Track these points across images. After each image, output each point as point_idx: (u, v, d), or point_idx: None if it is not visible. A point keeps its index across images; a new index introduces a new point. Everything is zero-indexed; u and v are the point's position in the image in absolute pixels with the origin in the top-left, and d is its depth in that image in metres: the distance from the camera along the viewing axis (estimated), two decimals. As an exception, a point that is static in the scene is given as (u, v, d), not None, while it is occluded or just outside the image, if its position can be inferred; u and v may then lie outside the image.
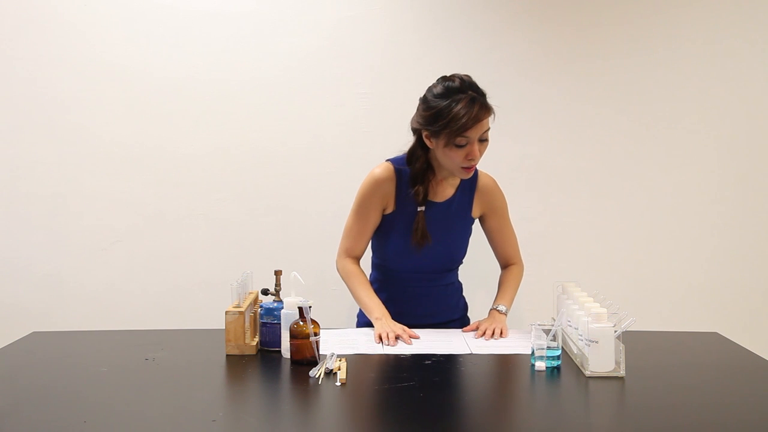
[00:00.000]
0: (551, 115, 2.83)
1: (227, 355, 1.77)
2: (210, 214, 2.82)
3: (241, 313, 1.78)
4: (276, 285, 1.90)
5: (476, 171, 2.13)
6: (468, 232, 2.15)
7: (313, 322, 1.69)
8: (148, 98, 2.78)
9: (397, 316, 2.02)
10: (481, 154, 1.96)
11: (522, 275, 2.22)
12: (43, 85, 2.77)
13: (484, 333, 1.95)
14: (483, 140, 1.95)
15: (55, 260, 2.81)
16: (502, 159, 2.83)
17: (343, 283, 2.15)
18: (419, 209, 2.04)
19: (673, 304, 2.85)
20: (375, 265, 2.20)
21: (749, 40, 2.80)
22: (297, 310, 1.71)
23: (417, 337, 1.92)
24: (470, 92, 1.90)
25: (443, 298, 2.16)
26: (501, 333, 1.96)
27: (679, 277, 2.85)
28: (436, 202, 2.08)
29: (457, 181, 2.10)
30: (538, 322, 1.69)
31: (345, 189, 2.82)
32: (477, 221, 2.19)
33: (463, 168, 1.96)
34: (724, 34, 2.80)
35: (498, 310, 2.07)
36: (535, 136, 2.83)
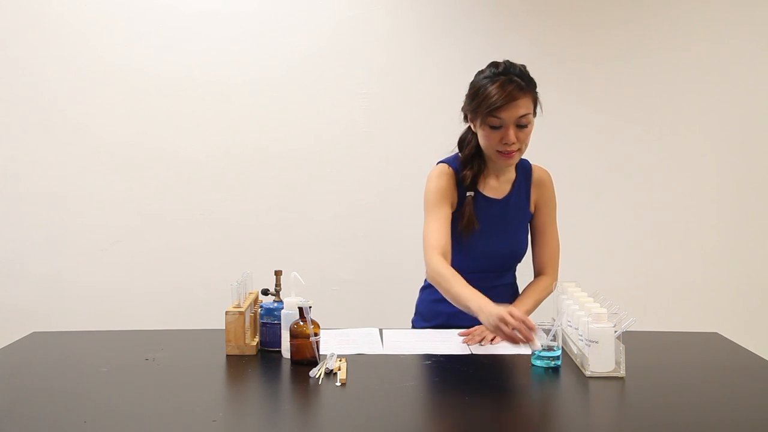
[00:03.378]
0: (551, 115, 2.82)
1: (227, 356, 1.77)
2: (210, 215, 2.82)
3: (241, 313, 1.78)
4: (276, 285, 1.90)
5: (529, 163, 2.11)
6: (526, 229, 2.10)
7: (313, 322, 1.69)
8: (148, 98, 2.78)
9: (456, 318, 1.97)
10: (521, 141, 1.92)
11: (550, 290, 2.03)
12: (43, 85, 2.77)
13: (483, 339, 1.86)
14: (521, 126, 1.91)
15: (55, 260, 2.81)
16: (502, 159, 2.83)
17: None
18: (468, 194, 2.00)
19: (673, 304, 2.85)
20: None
21: (749, 41, 2.80)
22: (297, 310, 1.71)
23: (534, 329, 1.66)
24: (511, 75, 1.90)
25: (503, 298, 2.00)
26: (493, 340, 1.86)
27: (679, 277, 2.85)
28: (494, 199, 2.05)
29: (512, 177, 2.07)
30: (538, 322, 1.69)
31: (345, 189, 2.83)
32: None
33: (499, 152, 1.93)
34: (723, 35, 2.80)
35: None
36: (535, 136, 2.82)
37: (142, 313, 2.81)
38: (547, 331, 1.68)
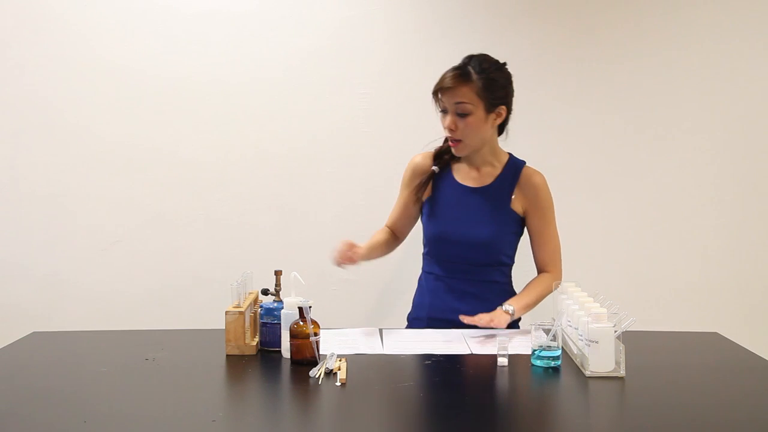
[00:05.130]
0: (550, 115, 2.83)
1: (227, 355, 1.77)
2: (210, 214, 2.82)
3: (241, 313, 1.78)
4: (276, 285, 1.90)
5: (522, 164, 2.12)
6: (510, 227, 2.09)
7: (313, 322, 1.69)
8: (148, 98, 2.78)
9: (440, 311, 2.07)
10: (461, 131, 1.99)
11: (552, 286, 2.04)
12: (42, 85, 2.77)
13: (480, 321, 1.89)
14: (461, 115, 1.98)
15: (55, 260, 2.81)
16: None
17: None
18: (433, 168, 2.12)
19: (674, 304, 2.85)
20: (424, 256, 2.20)
21: (749, 40, 2.80)
22: (297, 310, 1.71)
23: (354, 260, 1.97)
24: (465, 64, 2.01)
25: (488, 297, 2.06)
26: (491, 321, 1.89)
27: (679, 277, 2.85)
28: (469, 187, 2.09)
29: (497, 171, 2.10)
30: (538, 322, 1.69)
31: (345, 189, 2.83)
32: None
33: (448, 139, 2.04)
34: (723, 35, 2.80)
35: (503, 309, 1.97)
36: (535, 136, 2.83)
37: (142, 313, 2.81)
38: (547, 331, 1.68)
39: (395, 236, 2.25)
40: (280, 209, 2.83)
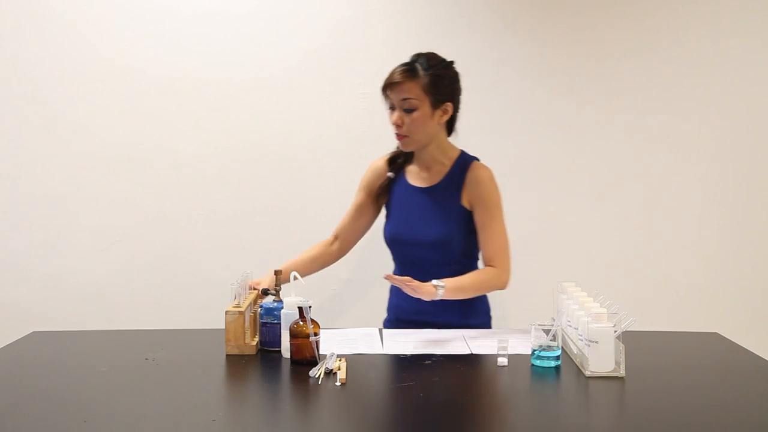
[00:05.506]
0: (551, 115, 2.83)
1: (227, 355, 1.77)
2: (210, 214, 2.82)
3: (241, 313, 1.78)
4: (276, 285, 1.90)
5: (471, 160, 2.11)
6: (462, 224, 2.08)
7: (313, 322, 1.69)
8: (148, 98, 2.78)
9: (405, 312, 2.09)
10: (407, 126, 2.01)
11: (495, 280, 2.03)
12: (42, 84, 2.77)
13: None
14: (408, 110, 2.00)
15: (55, 260, 2.81)
16: (501, 159, 2.82)
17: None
18: (388, 174, 2.16)
19: (673, 304, 2.85)
20: (393, 261, 2.20)
21: (749, 40, 2.80)
22: (297, 310, 1.71)
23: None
24: (412, 62, 2.04)
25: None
26: (417, 288, 1.84)
27: (679, 277, 2.85)
28: (418, 187, 2.11)
29: (446, 169, 2.10)
30: (538, 322, 1.69)
31: (345, 189, 2.82)
32: None
33: (396, 135, 2.05)
34: (724, 35, 2.80)
35: (433, 283, 1.89)
36: (534, 136, 2.83)
37: (142, 312, 2.81)
38: (547, 331, 1.68)
39: (338, 248, 2.24)
40: (280, 209, 2.83)
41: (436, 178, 2.10)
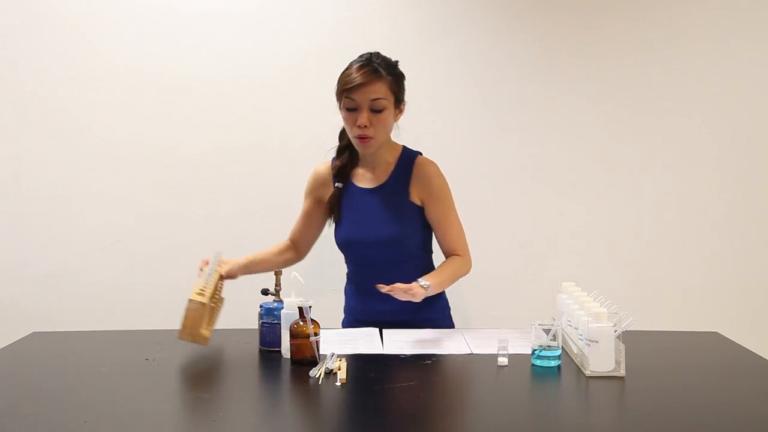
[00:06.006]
0: (552, 115, 2.83)
1: (180, 340, 1.77)
2: (210, 214, 2.82)
3: (203, 304, 1.77)
4: (276, 285, 1.90)
5: (415, 156, 2.10)
6: (413, 221, 2.07)
7: (313, 322, 1.69)
8: (148, 98, 2.78)
9: (366, 313, 2.08)
10: (374, 126, 1.98)
11: (463, 267, 2.07)
12: (42, 84, 2.77)
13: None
14: (376, 111, 1.97)
15: (56, 260, 2.81)
16: (502, 159, 2.83)
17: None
18: (336, 185, 2.11)
19: (673, 304, 2.85)
20: (347, 264, 2.20)
21: (749, 40, 2.80)
22: (297, 310, 1.71)
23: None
24: (371, 61, 2.00)
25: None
26: (409, 290, 1.84)
27: (679, 277, 2.85)
28: (366, 188, 2.09)
29: (391, 167, 2.08)
30: (538, 322, 1.69)
31: (345, 189, 2.83)
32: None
33: (357, 138, 2.00)
34: (724, 34, 2.80)
35: (420, 284, 1.90)
36: (536, 136, 2.83)
37: (142, 312, 2.81)
38: (547, 331, 1.68)
39: (296, 250, 2.23)
40: (280, 209, 2.83)
41: (383, 177, 2.09)
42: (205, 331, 1.80)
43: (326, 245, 2.82)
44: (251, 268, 2.09)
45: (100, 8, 2.75)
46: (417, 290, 1.88)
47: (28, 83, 2.77)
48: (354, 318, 2.16)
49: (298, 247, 2.23)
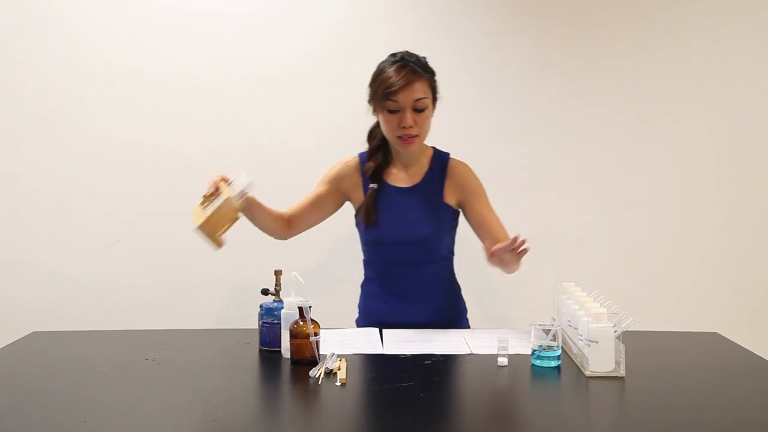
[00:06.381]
0: (551, 115, 2.83)
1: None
2: (210, 214, 2.82)
3: (236, 210, 1.82)
4: (276, 285, 1.90)
5: (447, 157, 2.11)
6: (445, 222, 2.08)
7: (313, 322, 1.69)
8: (148, 98, 2.78)
9: (388, 314, 2.06)
10: (418, 125, 1.97)
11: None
12: (42, 84, 2.77)
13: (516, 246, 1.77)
14: (419, 110, 1.97)
15: (55, 259, 2.81)
16: (502, 159, 2.83)
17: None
18: (371, 186, 2.07)
19: (673, 304, 2.85)
20: (364, 263, 2.19)
21: (749, 40, 2.80)
22: (297, 310, 1.71)
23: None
24: (407, 61, 1.98)
25: (433, 295, 2.09)
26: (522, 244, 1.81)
27: (679, 277, 2.85)
28: (401, 188, 2.08)
29: (425, 168, 2.09)
30: (538, 322, 1.69)
31: (345, 189, 2.83)
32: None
33: (399, 138, 1.99)
34: (724, 34, 2.80)
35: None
36: (535, 136, 2.83)
37: (142, 312, 2.81)
38: (547, 331, 1.68)
39: (288, 226, 2.18)
40: (281, 209, 2.83)
41: (417, 177, 2.09)
42: (221, 237, 1.81)
43: (326, 245, 2.83)
44: (255, 209, 2.07)
45: (100, 8, 2.75)
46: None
47: (29, 83, 2.77)
48: (375, 319, 2.11)
49: (291, 225, 2.18)
